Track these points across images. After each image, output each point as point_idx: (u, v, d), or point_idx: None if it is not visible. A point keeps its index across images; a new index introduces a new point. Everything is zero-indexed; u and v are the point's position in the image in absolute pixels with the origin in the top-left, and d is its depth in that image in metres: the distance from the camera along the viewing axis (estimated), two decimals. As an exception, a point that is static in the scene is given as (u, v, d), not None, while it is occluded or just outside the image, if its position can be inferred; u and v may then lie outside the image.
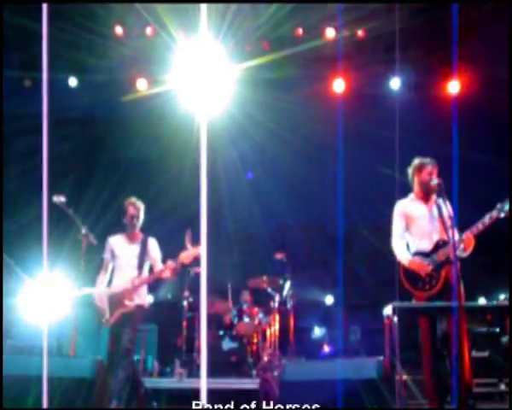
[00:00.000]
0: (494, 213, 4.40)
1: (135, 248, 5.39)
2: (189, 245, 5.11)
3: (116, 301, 5.21)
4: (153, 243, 5.46)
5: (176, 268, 5.23)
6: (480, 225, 4.42)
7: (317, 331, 8.14)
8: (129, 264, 5.33)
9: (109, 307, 5.22)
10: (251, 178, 8.79)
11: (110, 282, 5.43)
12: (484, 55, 6.76)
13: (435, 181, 4.56)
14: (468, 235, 4.43)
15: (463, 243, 4.44)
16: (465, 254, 4.49)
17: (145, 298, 5.38)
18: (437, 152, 4.96)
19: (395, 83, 8.06)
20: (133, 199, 5.47)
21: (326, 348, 7.90)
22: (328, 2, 7.05)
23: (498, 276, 6.82)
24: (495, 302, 5.39)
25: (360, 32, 7.51)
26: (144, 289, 5.37)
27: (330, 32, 7.49)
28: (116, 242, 5.47)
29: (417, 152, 4.90)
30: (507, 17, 6.33)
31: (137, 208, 5.43)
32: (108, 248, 5.47)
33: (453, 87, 7.64)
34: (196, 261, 5.30)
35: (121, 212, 5.50)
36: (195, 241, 5.09)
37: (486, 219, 4.41)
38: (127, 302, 5.16)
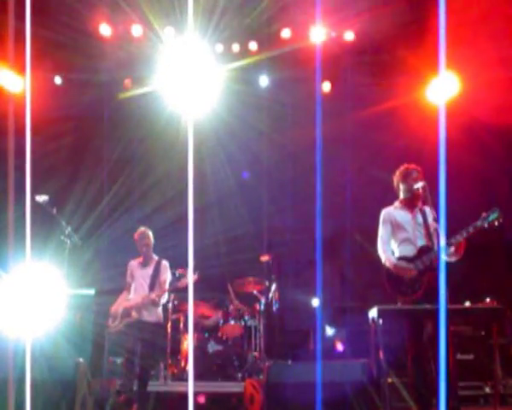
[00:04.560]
0: (478, 223, 4.41)
1: (148, 270, 5.97)
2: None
3: (126, 313, 5.85)
4: (163, 268, 6.00)
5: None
6: (464, 233, 4.42)
7: (329, 331, 8.09)
8: (143, 283, 5.94)
9: (120, 317, 5.86)
10: (246, 178, 8.75)
11: None
12: (472, 58, 6.79)
13: (420, 184, 4.57)
14: (453, 241, 4.43)
15: (454, 247, 4.45)
16: (455, 258, 4.50)
17: (156, 315, 5.88)
18: (426, 154, 4.96)
19: (382, 85, 8.07)
20: (142, 229, 6.07)
21: (339, 347, 7.85)
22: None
23: (484, 278, 6.86)
24: (480, 305, 5.41)
25: (348, 33, 7.52)
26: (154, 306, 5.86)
27: (318, 33, 7.48)
28: (133, 265, 6.08)
29: (407, 153, 4.90)
30: (492, 20, 6.38)
31: (147, 237, 6.04)
32: (128, 271, 6.08)
33: (441, 89, 7.66)
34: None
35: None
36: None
37: (470, 228, 4.42)
38: (133, 313, 5.79)
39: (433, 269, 4.44)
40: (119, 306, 5.95)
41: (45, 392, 4.17)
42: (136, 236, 6.07)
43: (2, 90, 7.95)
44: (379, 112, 7.19)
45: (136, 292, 5.94)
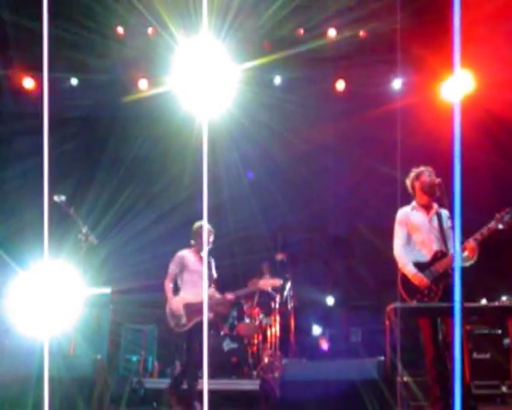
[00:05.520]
0: (492, 224, 4.39)
1: (203, 266, 5.58)
2: (268, 276, 5.78)
3: (194, 310, 5.39)
4: (213, 264, 5.72)
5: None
6: (478, 236, 4.40)
7: (316, 329, 8.14)
8: (201, 279, 5.50)
9: (185, 315, 5.43)
10: (251, 178, 8.77)
11: (176, 292, 5.62)
12: (487, 55, 6.75)
13: (438, 180, 4.58)
14: (468, 244, 4.40)
15: (467, 251, 4.42)
16: (469, 263, 4.47)
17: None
18: (440, 152, 4.95)
19: (396, 83, 8.05)
20: (201, 223, 5.49)
21: (324, 345, 7.87)
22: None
23: (500, 277, 6.81)
24: (497, 303, 5.37)
25: (361, 33, 7.50)
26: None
27: (332, 33, 7.48)
28: (188, 257, 5.63)
29: (421, 152, 4.89)
30: (507, 17, 6.33)
31: (211, 233, 5.61)
32: (179, 261, 5.61)
33: (456, 87, 7.60)
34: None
35: (193, 234, 5.67)
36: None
37: (485, 229, 4.40)
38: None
39: (448, 275, 4.42)
40: (178, 303, 5.47)
41: (62, 389, 4.22)
42: (202, 229, 5.47)
43: (19, 91, 8.06)
44: (393, 110, 7.15)
45: (194, 286, 5.51)
